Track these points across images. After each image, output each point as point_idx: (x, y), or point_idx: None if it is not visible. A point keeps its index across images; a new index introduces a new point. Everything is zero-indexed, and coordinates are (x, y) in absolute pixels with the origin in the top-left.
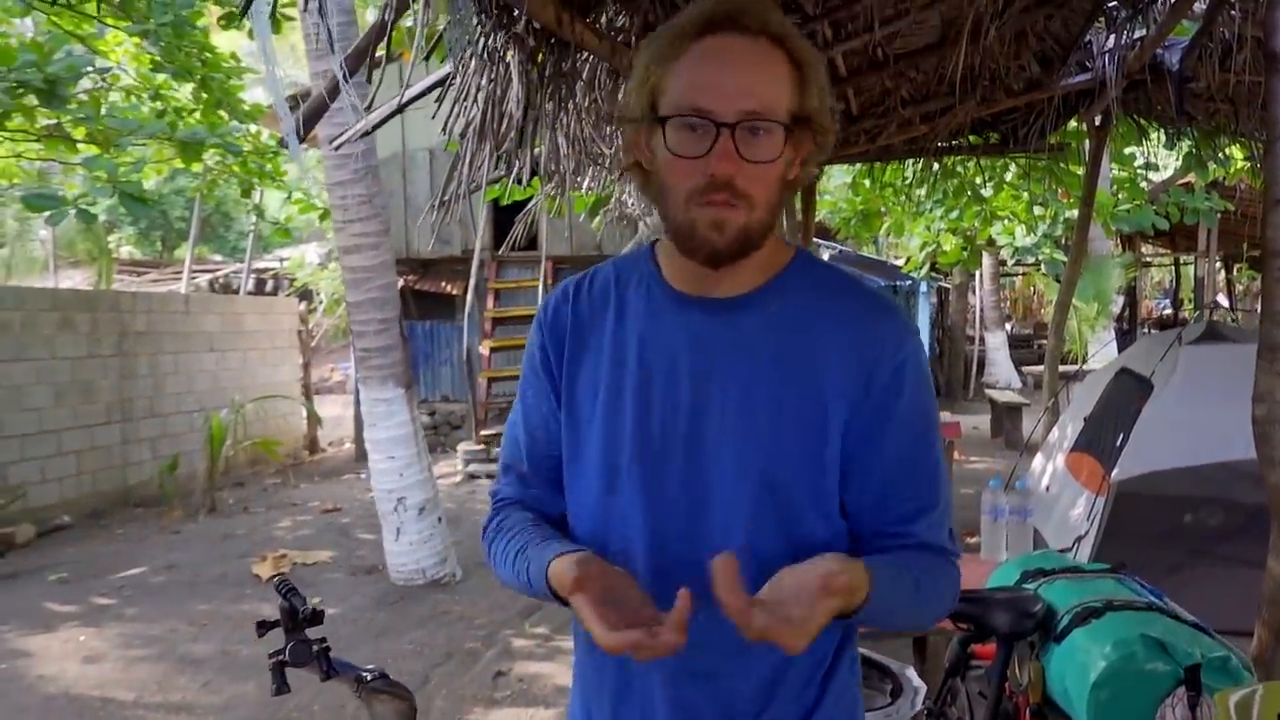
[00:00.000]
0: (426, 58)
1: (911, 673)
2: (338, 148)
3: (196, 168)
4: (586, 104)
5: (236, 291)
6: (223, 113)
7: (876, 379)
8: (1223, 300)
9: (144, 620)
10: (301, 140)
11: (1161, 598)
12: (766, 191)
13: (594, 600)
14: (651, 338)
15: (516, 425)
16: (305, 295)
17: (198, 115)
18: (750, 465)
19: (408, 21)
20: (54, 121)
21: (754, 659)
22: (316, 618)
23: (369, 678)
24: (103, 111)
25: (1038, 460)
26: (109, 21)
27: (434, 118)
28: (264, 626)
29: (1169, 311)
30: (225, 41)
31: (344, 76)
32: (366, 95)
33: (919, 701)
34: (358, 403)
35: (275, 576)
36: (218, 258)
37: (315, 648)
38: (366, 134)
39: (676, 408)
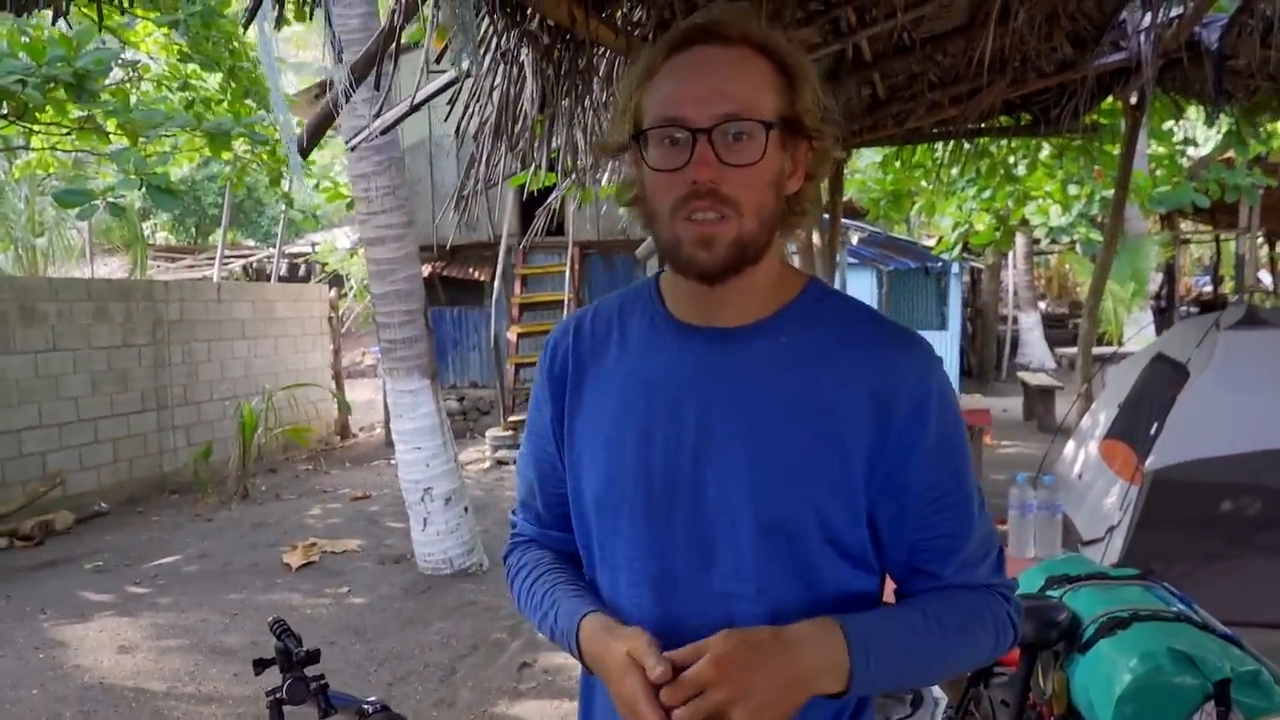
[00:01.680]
0: (438, 60)
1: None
2: (353, 148)
3: (226, 157)
4: (604, 99)
5: (270, 276)
6: (250, 102)
7: (897, 415)
8: (1265, 277)
9: (176, 610)
10: (306, 155)
11: (1191, 605)
12: (755, 197)
13: (648, 687)
14: (654, 371)
15: (526, 461)
16: (336, 281)
17: (225, 105)
18: (759, 508)
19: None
20: (86, 114)
21: None
22: (312, 657)
23: (370, 710)
24: (132, 103)
25: (1070, 447)
26: (138, 13)
27: (446, 120)
28: (260, 665)
29: (1209, 289)
30: (253, 30)
31: (349, 84)
32: (375, 100)
33: (939, 713)
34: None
35: (273, 620)
36: (251, 242)
37: (312, 685)
38: (382, 133)
39: (680, 445)
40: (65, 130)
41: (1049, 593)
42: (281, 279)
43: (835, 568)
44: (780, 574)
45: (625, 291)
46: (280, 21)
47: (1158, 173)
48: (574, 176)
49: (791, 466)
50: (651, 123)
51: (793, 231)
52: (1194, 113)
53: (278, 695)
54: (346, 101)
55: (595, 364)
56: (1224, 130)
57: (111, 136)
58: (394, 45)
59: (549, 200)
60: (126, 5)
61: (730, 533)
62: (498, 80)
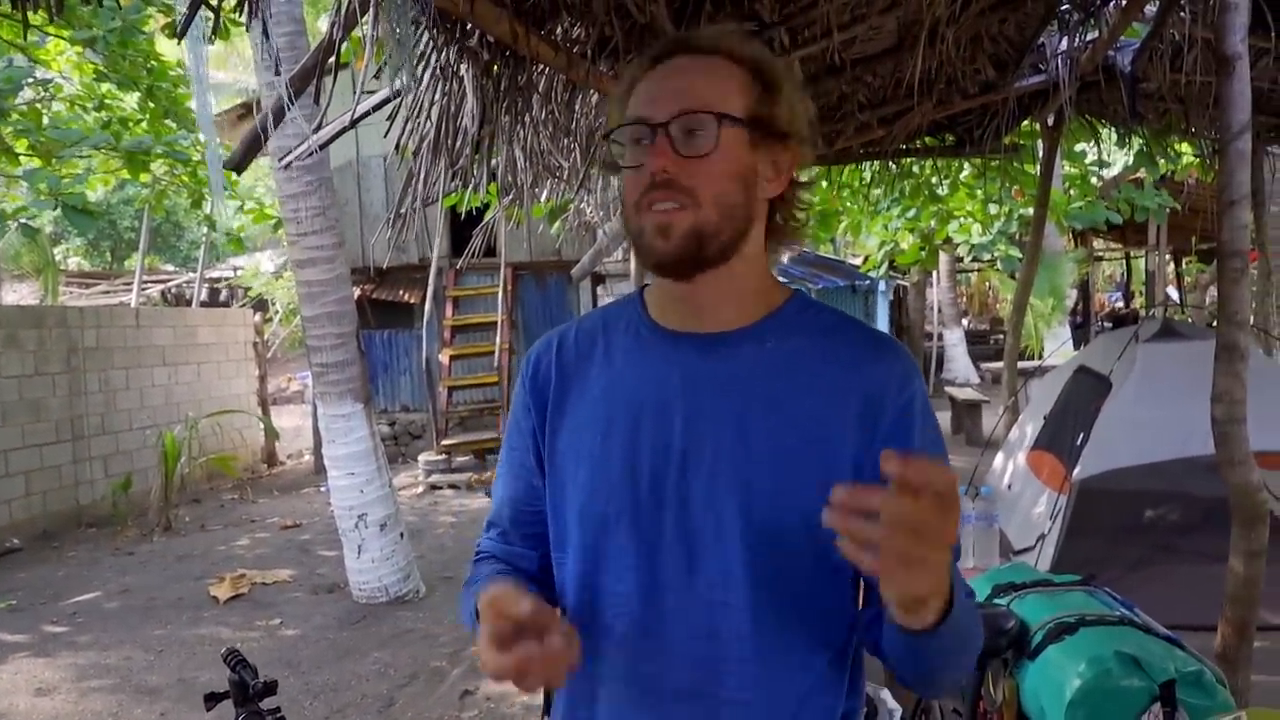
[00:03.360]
0: (376, 74)
1: (887, 694)
2: (286, 167)
3: (144, 178)
4: (543, 116)
5: (189, 302)
6: (170, 122)
7: (883, 422)
8: (1172, 293)
9: (98, 648)
10: (241, 171)
11: (1133, 609)
12: (714, 188)
13: (491, 628)
14: (640, 378)
15: (502, 478)
16: (260, 305)
17: (144, 125)
18: (744, 513)
19: (357, 32)
20: None
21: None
22: (268, 689)
23: None
24: (44, 123)
25: (998, 458)
26: (49, 30)
27: (386, 136)
28: (212, 700)
29: (1121, 304)
30: (171, 49)
31: (289, 98)
32: (314, 115)
33: None
34: (315, 414)
35: (227, 651)
36: (169, 267)
37: (269, 718)
38: (321, 148)
39: (668, 451)
40: None
41: (996, 601)
42: (203, 304)
43: (820, 576)
44: (767, 582)
45: (610, 305)
46: (215, 31)
47: (1071, 192)
48: (513, 194)
49: (778, 473)
50: (619, 123)
51: (784, 241)
52: (1106, 134)
53: None
54: (284, 116)
55: (580, 376)
56: (1134, 152)
57: (21, 158)
58: (334, 59)
59: (486, 220)
60: (50, 19)
61: (717, 541)
62: (436, 97)
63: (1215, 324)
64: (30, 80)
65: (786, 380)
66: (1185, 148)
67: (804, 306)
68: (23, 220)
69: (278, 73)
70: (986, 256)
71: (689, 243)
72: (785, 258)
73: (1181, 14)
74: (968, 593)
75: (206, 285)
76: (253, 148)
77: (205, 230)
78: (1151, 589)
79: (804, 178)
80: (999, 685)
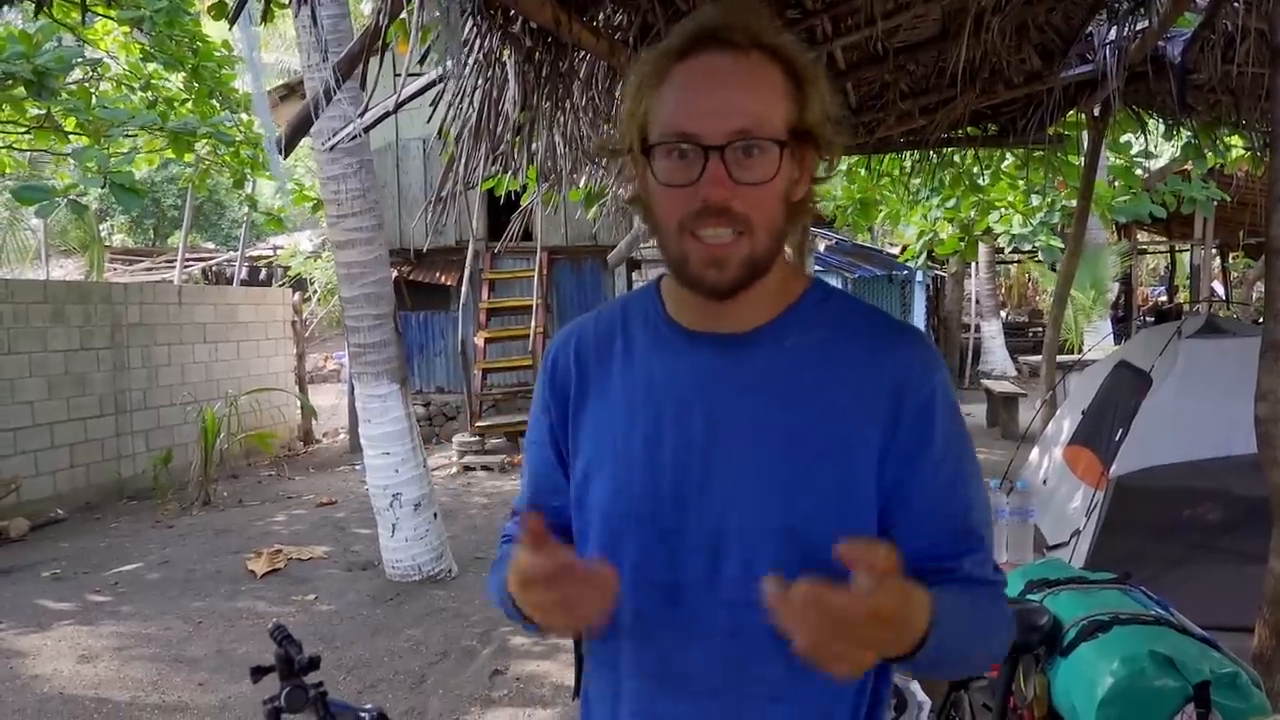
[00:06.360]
0: (422, 60)
1: (916, 686)
2: (330, 149)
3: (188, 158)
4: (584, 103)
5: (230, 280)
6: (215, 102)
7: (905, 413)
8: (1218, 288)
9: (139, 618)
10: (288, 154)
11: (1169, 609)
12: (767, 213)
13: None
14: (660, 378)
15: (525, 472)
16: (299, 284)
17: (189, 105)
18: (768, 512)
19: (402, 15)
20: (44, 112)
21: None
22: (313, 664)
23: (367, 718)
24: (93, 102)
25: (1034, 452)
26: (98, 10)
27: (429, 121)
28: (259, 672)
29: (1164, 299)
30: (217, 29)
31: (336, 82)
32: (360, 99)
33: (924, 717)
34: (352, 393)
35: (274, 626)
36: (210, 245)
37: (311, 693)
38: (366, 130)
39: (689, 452)
40: (23, 129)
41: (1029, 596)
42: (243, 283)
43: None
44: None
45: (628, 296)
46: (265, 16)
47: (1116, 184)
48: (552, 180)
49: (800, 472)
50: (660, 136)
51: (793, 231)
52: (1153, 126)
53: (276, 704)
54: (329, 102)
55: (600, 372)
56: (1181, 144)
57: (70, 137)
58: (380, 44)
59: (525, 205)
60: (107, 1)
61: (739, 540)
62: (479, 82)
63: (1261, 321)
64: (79, 60)
65: (806, 376)
66: (1235, 140)
67: (823, 297)
68: (73, 197)
69: (325, 58)
70: (1027, 248)
71: (744, 272)
72: (822, 246)
73: (1234, 4)
74: (978, 591)
75: (247, 264)
76: (300, 130)
77: (246, 209)
78: (1188, 588)
79: (823, 172)
80: (1030, 681)
